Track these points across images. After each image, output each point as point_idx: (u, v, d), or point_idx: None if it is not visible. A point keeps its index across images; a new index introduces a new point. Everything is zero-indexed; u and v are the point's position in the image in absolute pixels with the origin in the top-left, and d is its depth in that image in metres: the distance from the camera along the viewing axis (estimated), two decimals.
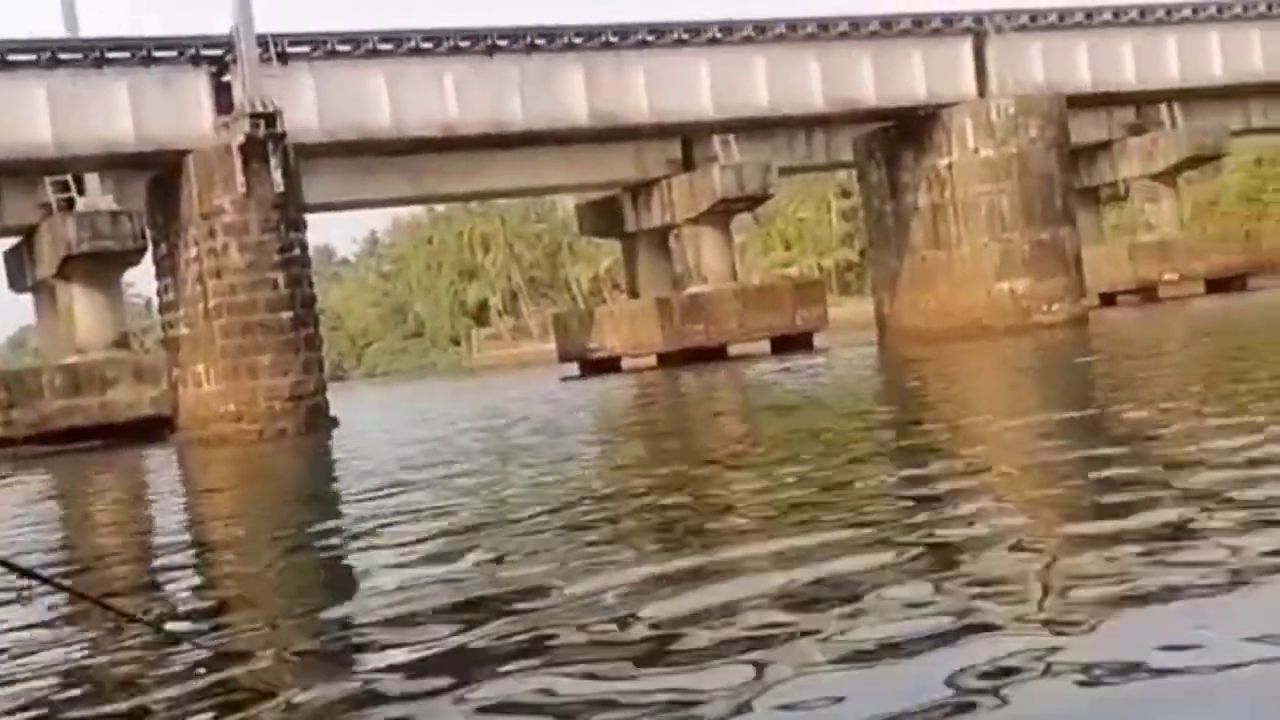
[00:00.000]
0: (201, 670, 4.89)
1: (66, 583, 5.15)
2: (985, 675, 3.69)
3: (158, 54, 27.55)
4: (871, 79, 34.76)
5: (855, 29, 35.02)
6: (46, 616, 6.39)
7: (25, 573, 4.01)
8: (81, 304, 32.15)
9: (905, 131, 35.33)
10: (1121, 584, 4.60)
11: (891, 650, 4.06)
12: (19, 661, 5.47)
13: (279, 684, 4.54)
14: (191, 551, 9.63)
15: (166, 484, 18.65)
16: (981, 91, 35.04)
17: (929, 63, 35.08)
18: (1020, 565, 5.27)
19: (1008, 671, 3.70)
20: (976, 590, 4.80)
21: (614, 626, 4.86)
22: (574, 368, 40.61)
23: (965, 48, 35.40)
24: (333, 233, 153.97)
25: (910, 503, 7.27)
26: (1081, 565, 5.08)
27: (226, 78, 27.41)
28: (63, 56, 27.12)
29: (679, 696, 3.82)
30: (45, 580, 4.52)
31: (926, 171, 34.94)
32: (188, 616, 6.51)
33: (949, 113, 34.52)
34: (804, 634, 4.38)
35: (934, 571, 5.24)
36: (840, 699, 3.64)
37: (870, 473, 9.06)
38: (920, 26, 35.32)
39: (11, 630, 6.14)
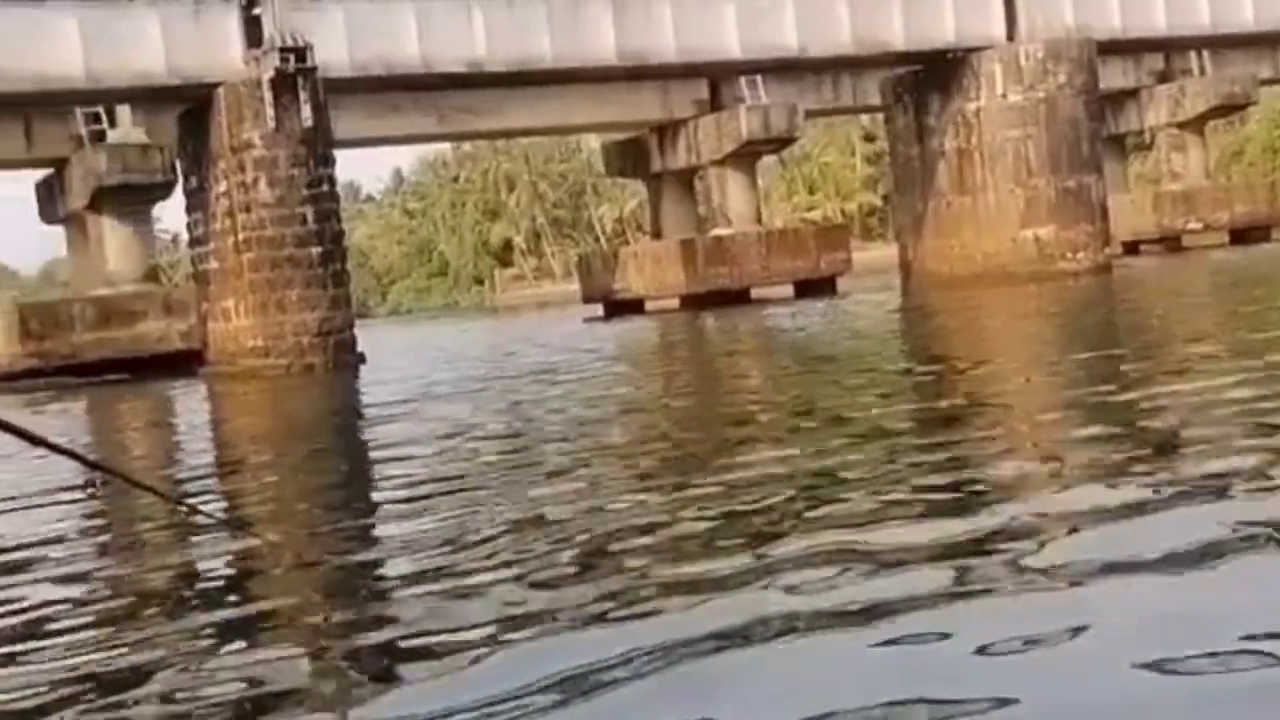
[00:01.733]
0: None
1: (141, 480, 5.51)
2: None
3: None
4: (900, 21, 34.58)
5: None
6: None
7: (96, 465, 4.31)
8: (112, 236, 32.54)
9: (933, 75, 35.20)
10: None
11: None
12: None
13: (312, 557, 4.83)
14: (233, 463, 9.94)
15: (201, 413, 19.01)
16: (1011, 35, 34.83)
17: (958, 5, 34.83)
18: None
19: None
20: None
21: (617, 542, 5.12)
22: (597, 309, 40.80)
23: None
24: (358, 170, 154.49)
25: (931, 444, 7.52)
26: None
27: (257, 10, 27.46)
28: None
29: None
30: (114, 473, 4.87)
31: (953, 116, 34.83)
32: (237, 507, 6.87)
33: (977, 57, 34.36)
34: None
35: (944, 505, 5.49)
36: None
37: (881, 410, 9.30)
38: None
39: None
